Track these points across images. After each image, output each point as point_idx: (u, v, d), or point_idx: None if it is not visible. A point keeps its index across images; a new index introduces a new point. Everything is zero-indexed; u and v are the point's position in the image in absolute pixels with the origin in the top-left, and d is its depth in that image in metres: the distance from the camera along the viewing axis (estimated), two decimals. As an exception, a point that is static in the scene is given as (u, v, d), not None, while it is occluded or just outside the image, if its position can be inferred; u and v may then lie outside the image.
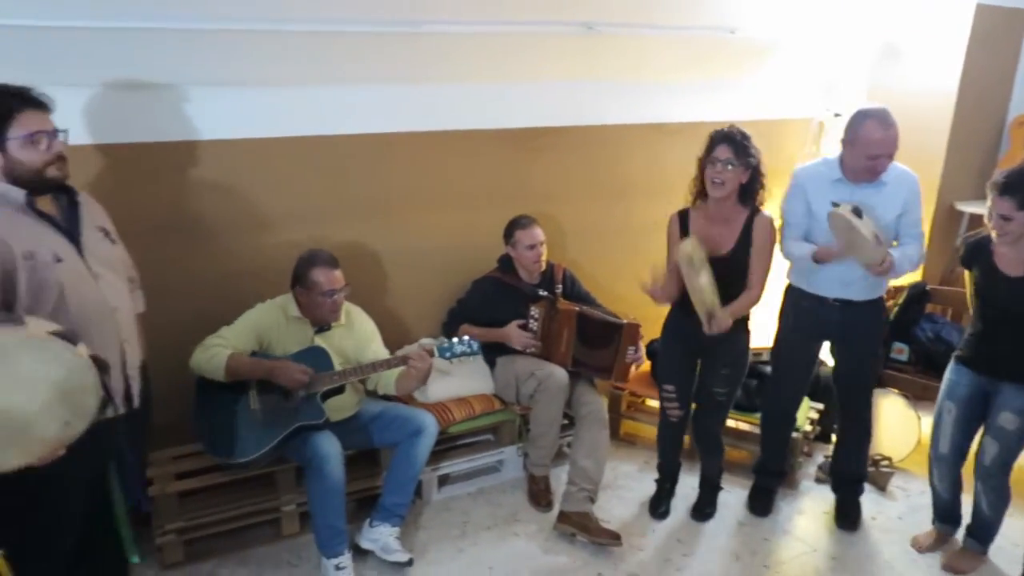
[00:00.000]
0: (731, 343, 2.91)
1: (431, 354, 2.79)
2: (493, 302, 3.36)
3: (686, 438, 3.28)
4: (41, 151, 1.91)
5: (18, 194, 1.89)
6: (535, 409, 3.24)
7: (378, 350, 2.99)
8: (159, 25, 2.49)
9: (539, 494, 3.28)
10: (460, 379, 3.34)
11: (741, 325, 2.92)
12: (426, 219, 3.46)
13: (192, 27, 2.54)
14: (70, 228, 1.99)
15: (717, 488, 3.29)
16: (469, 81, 3.29)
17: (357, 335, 2.98)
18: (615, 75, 3.57)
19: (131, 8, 2.41)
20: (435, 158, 3.40)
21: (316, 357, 2.80)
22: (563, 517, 3.04)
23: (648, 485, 3.37)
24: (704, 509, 3.25)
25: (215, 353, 2.69)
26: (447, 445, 3.31)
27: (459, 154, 3.45)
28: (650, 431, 3.71)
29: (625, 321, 3.23)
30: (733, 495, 3.37)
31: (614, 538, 2.96)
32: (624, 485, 3.46)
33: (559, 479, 3.34)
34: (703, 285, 2.66)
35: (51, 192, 1.99)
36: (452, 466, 3.34)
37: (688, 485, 3.33)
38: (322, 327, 2.89)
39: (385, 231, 3.38)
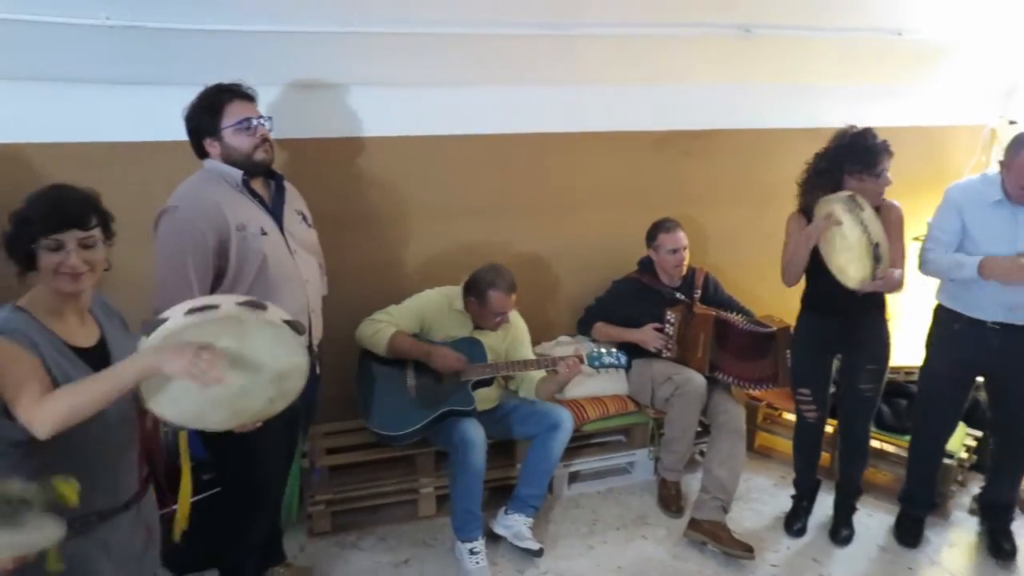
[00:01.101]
0: (873, 335, 2.84)
1: (581, 361, 2.87)
2: (631, 303, 3.37)
3: (825, 455, 3.17)
4: (249, 135, 2.16)
5: (235, 175, 2.18)
6: (670, 413, 3.22)
7: (527, 353, 3.10)
8: (330, 29, 2.67)
9: (670, 499, 3.26)
10: (595, 379, 3.36)
11: (880, 316, 2.84)
12: (570, 218, 3.52)
13: (359, 30, 2.70)
14: (275, 208, 2.27)
15: (853, 508, 3.15)
16: (623, 83, 3.31)
17: (512, 336, 3.10)
18: (771, 78, 3.47)
19: (306, 12, 2.60)
20: (583, 158, 3.45)
21: (471, 347, 2.94)
22: (694, 524, 3.01)
23: (783, 501, 3.27)
24: (841, 531, 3.10)
25: (380, 328, 2.86)
26: (579, 443, 3.34)
27: (607, 155, 3.49)
28: (787, 445, 3.58)
29: (775, 327, 3.15)
30: (875, 519, 3.21)
31: (747, 550, 2.90)
32: (758, 499, 3.38)
33: (690, 486, 3.32)
34: (868, 219, 2.47)
35: (262, 176, 2.26)
36: (583, 464, 3.38)
37: (826, 505, 3.20)
38: (479, 327, 3.02)
39: (529, 229, 3.47)
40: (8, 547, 1.28)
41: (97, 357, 1.66)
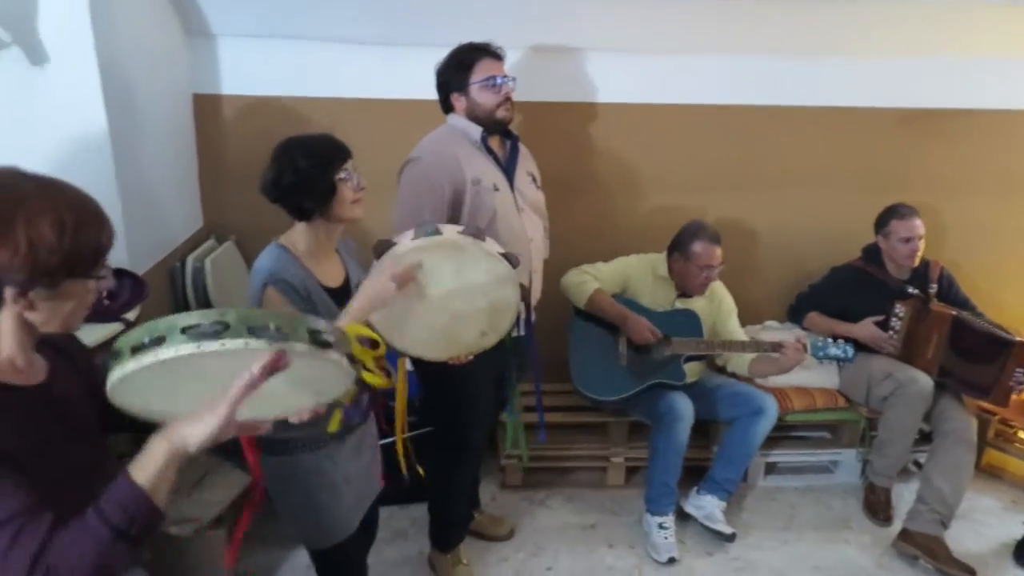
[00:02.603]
0: None
1: (804, 349, 2.71)
2: (849, 293, 3.14)
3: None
4: (495, 94, 2.24)
5: (475, 131, 2.27)
6: (887, 414, 2.98)
7: (734, 328, 2.98)
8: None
9: (877, 506, 3.03)
10: (804, 368, 3.16)
11: None
12: (792, 197, 3.34)
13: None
14: (508, 166, 2.34)
15: None
16: (867, 55, 3.08)
17: (717, 309, 2.99)
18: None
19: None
20: (813, 134, 3.26)
21: (687, 321, 2.88)
22: (906, 536, 2.77)
23: (1013, 527, 2.93)
24: None
25: (585, 281, 2.88)
26: (779, 433, 3.16)
27: (840, 132, 3.26)
28: (1021, 467, 3.22)
29: (1018, 339, 2.82)
30: None
31: (968, 572, 2.63)
32: (982, 520, 3.04)
33: (901, 496, 3.06)
34: None
35: (500, 134, 2.34)
36: (782, 456, 3.22)
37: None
38: (685, 293, 2.94)
39: (748, 204, 3.34)
40: (313, 393, 1.21)
41: (342, 295, 1.81)
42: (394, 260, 1.63)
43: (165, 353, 0.96)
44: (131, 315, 2.09)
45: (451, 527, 2.61)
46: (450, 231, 1.66)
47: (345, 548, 1.91)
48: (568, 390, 3.09)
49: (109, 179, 2.28)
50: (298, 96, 2.87)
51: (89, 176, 2.22)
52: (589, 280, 2.89)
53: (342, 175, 1.71)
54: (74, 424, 1.20)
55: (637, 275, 2.96)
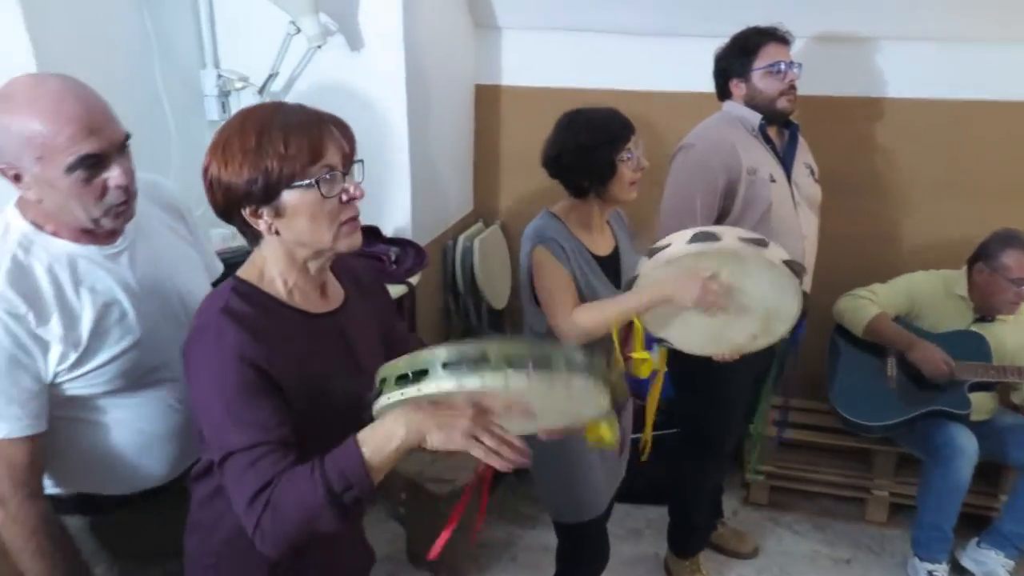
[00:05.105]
0: None
1: None
2: None
3: None
4: (779, 81, 2.13)
5: (754, 118, 2.17)
6: None
7: None
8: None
9: None
10: None
11: None
12: None
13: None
14: (786, 157, 2.21)
15: None
16: None
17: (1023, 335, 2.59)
18: None
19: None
20: None
21: (973, 343, 2.53)
22: None
23: None
24: None
25: (862, 306, 2.63)
26: (1092, 492, 2.68)
27: None
28: None
29: None
30: None
31: None
32: None
33: None
34: None
35: (779, 123, 2.21)
36: (1092, 520, 2.70)
37: None
38: (985, 316, 2.58)
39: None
40: (565, 415, 1.18)
41: (612, 263, 1.84)
42: (675, 263, 1.60)
43: (427, 388, 0.98)
44: (414, 280, 2.28)
45: (692, 532, 2.52)
46: (730, 237, 1.59)
47: (591, 528, 1.91)
48: (826, 409, 2.86)
49: (403, 159, 2.49)
50: (571, 87, 2.91)
51: (386, 155, 2.47)
52: (866, 303, 2.62)
53: (624, 155, 1.70)
54: (358, 358, 1.23)
55: (925, 292, 2.64)
